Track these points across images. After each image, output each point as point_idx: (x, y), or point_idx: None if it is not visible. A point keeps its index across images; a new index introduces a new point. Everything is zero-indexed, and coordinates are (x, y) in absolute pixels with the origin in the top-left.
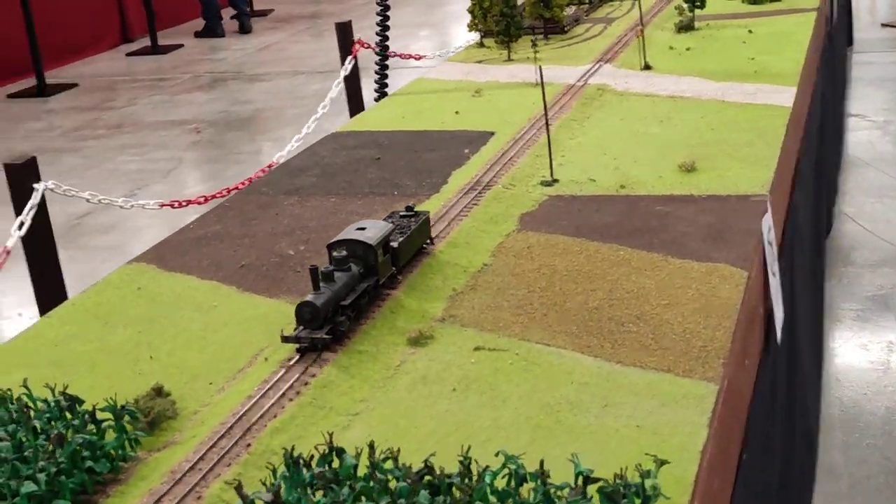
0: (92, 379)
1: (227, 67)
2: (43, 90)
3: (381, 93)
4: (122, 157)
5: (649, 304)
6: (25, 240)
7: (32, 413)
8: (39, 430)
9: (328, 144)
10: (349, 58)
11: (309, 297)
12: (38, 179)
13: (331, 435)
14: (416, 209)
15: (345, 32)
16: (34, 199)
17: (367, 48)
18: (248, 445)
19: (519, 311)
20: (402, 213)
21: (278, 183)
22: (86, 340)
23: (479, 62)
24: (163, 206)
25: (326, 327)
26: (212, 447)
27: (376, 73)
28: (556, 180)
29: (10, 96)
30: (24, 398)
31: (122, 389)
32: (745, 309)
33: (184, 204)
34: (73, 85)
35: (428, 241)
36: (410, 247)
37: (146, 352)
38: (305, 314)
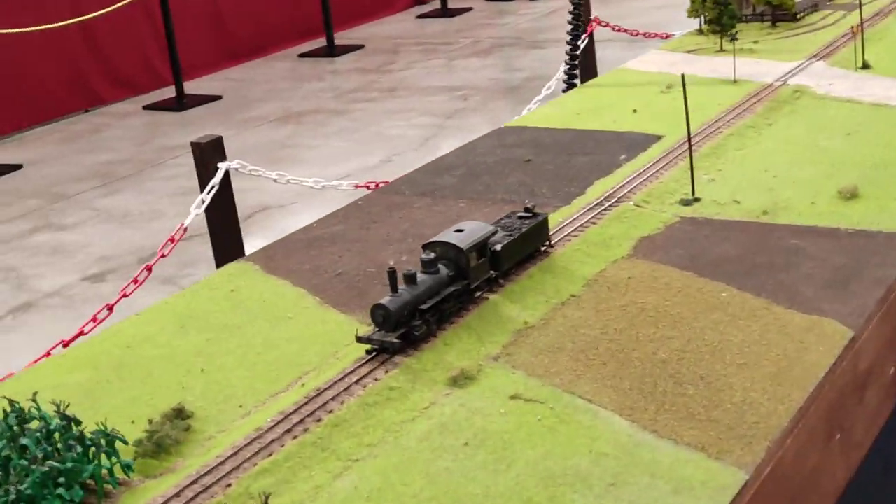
0: (140, 389)
1: (509, 33)
2: (331, 51)
3: (570, 84)
4: (388, 122)
5: (723, 361)
6: (209, 217)
7: (25, 431)
8: (27, 449)
9: (489, 141)
10: (583, 36)
11: (384, 300)
12: (222, 158)
13: (266, 497)
14: (535, 211)
15: (578, 8)
16: (216, 178)
17: (603, 26)
18: (229, 486)
19: (579, 357)
20: (519, 214)
21: (419, 181)
22: (157, 345)
23: (691, 51)
24: (357, 186)
25: (400, 331)
26: (192, 483)
27: (566, 63)
28: (696, 199)
29: (301, 56)
30: (27, 413)
31: (161, 402)
32: (837, 378)
33: (372, 187)
34: (360, 46)
35: (547, 243)
36: (518, 249)
37: (203, 363)
38: (378, 316)
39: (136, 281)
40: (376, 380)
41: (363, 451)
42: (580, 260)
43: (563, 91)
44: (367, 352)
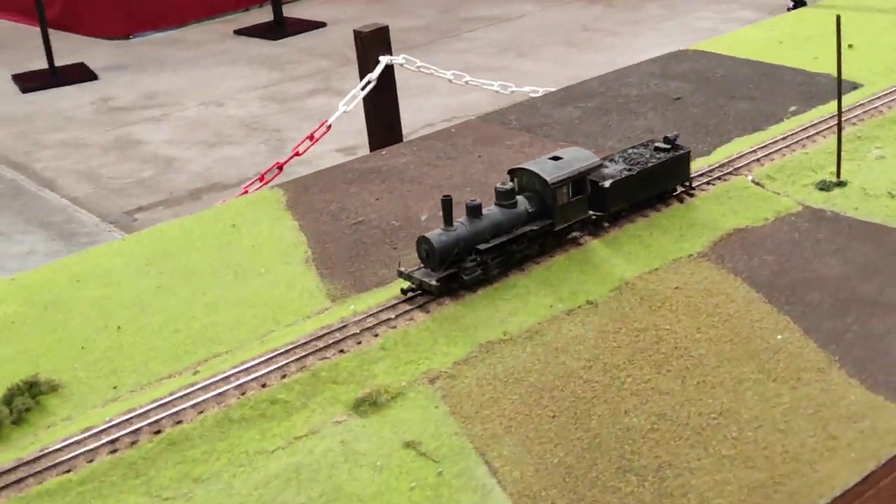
0: (40, 341)
1: None
2: None
3: (798, 2)
4: (702, 11)
5: (704, 448)
6: (367, 106)
7: None
8: None
9: (651, 67)
10: None
11: (432, 233)
12: (386, 52)
13: None
14: (675, 142)
15: None
16: (374, 73)
17: None
18: None
19: (530, 399)
20: (656, 145)
21: (533, 111)
22: (103, 284)
23: None
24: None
25: (447, 271)
26: None
27: None
28: (841, 183)
29: None
30: None
31: (49, 362)
32: None
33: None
34: None
35: (686, 183)
36: (637, 188)
37: (127, 319)
38: (422, 251)
39: None
40: (264, 386)
41: (184, 487)
42: (632, 252)
43: (788, 8)
44: (403, 291)
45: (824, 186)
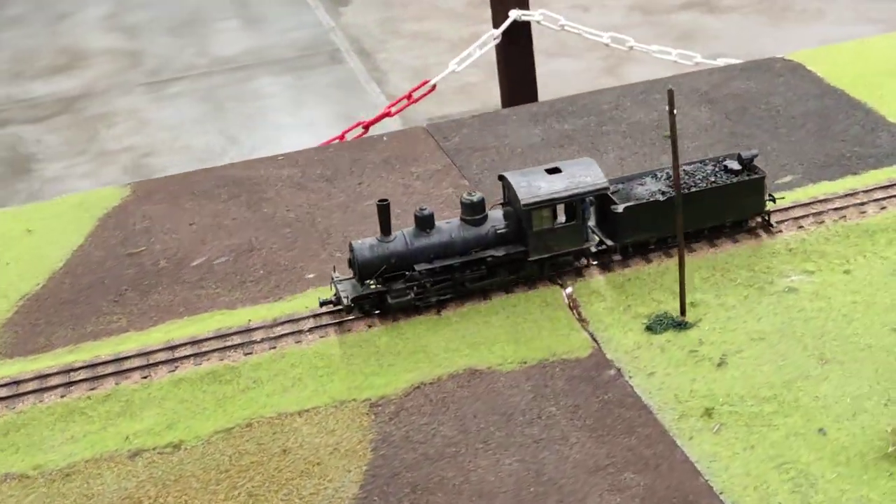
0: None
1: None
2: None
3: None
4: None
5: None
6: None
7: None
8: None
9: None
10: None
11: (361, 241)
12: (523, 6)
13: None
14: (754, 163)
15: None
16: (501, 28)
17: None
18: None
19: None
20: (727, 163)
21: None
22: None
23: None
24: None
25: (371, 288)
26: None
27: None
28: (681, 325)
29: None
30: None
31: None
32: None
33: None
34: None
35: (764, 216)
36: (668, 215)
37: None
38: (349, 260)
39: None
40: None
41: None
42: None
43: None
44: (322, 302)
45: (660, 323)
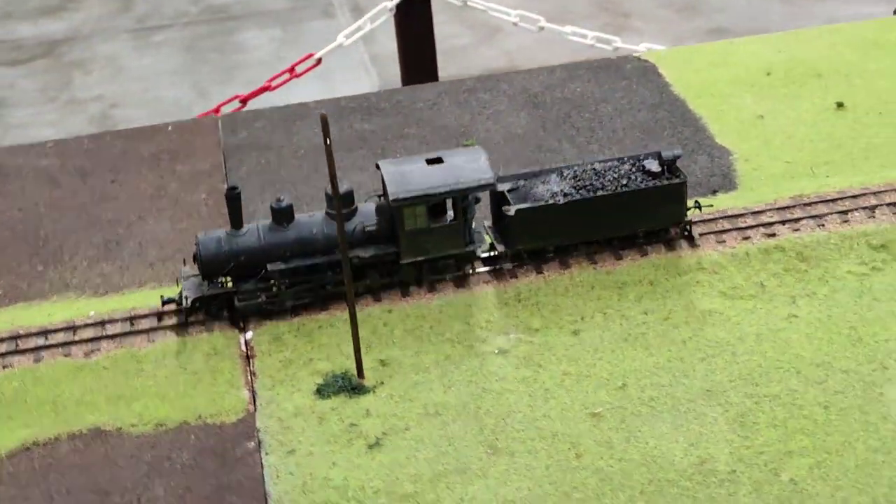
0: None
1: None
2: None
3: None
4: None
5: None
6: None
7: None
8: None
9: None
10: None
11: (207, 234)
12: None
13: None
14: (676, 163)
15: None
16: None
17: None
18: None
19: None
20: (646, 163)
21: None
22: None
23: None
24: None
25: (212, 289)
26: None
27: None
28: (357, 389)
29: None
30: None
31: None
32: None
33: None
34: None
35: (683, 226)
36: (581, 221)
37: None
38: (195, 255)
39: None
40: None
41: None
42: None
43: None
44: (164, 301)
45: (331, 385)
